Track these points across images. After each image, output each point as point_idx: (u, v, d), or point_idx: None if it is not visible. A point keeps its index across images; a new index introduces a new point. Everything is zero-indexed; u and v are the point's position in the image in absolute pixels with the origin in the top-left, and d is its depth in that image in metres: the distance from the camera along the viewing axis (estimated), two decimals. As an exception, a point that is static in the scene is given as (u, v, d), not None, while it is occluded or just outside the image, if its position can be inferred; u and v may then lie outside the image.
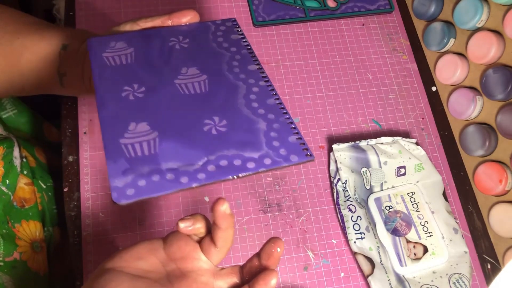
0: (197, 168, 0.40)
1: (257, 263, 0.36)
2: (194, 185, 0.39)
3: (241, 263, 0.37)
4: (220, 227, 0.35)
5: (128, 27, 0.47)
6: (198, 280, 0.35)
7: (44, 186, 0.55)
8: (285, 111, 0.45)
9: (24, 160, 0.53)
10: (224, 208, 0.36)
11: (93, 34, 0.50)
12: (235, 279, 0.36)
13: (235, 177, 0.40)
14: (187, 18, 0.48)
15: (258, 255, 0.36)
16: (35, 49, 0.47)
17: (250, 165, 0.41)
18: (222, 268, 0.37)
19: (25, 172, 0.52)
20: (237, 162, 0.41)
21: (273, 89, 0.47)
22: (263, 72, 0.48)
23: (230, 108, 0.45)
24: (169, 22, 0.48)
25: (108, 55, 0.47)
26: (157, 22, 0.47)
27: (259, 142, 0.43)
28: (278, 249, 0.36)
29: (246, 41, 0.51)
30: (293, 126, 0.44)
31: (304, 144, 0.43)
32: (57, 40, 0.48)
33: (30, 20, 0.50)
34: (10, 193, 0.49)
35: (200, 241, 0.37)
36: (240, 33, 0.51)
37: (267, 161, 0.42)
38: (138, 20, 0.47)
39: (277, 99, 0.46)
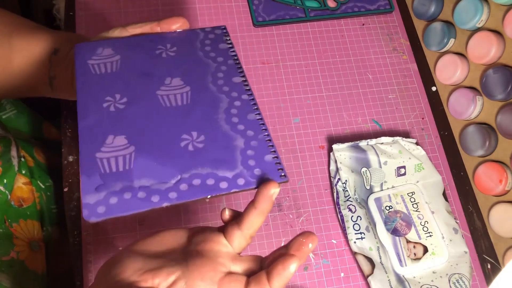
0: (169, 186, 0.40)
1: (282, 253, 0.35)
2: (164, 204, 0.39)
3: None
4: (256, 207, 0.35)
5: (117, 33, 0.47)
6: (215, 260, 0.34)
7: (43, 186, 0.55)
8: (264, 128, 0.45)
9: (22, 159, 0.53)
10: (273, 192, 0.36)
11: (85, 38, 0.50)
12: (253, 267, 0.36)
13: (207, 198, 0.40)
14: (176, 25, 0.48)
15: (285, 247, 0.35)
16: (26, 53, 0.48)
17: (223, 185, 0.41)
18: (240, 255, 0.37)
19: (23, 172, 0.52)
20: (210, 182, 0.41)
21: (255, 103, 0.47)
22: (247, 85, 0.48)
23: (209, 123, 0.45)
24: (158, 29, 0.48)
25: (94, 62, 0.47)
26: (146, 28, 0.47)
27: (235, 160, 0.42)
28: (310, 245, 0.35)
29: (233, 51, 0.50)
30: (270, 144, 0.44)
31: (279, 163, 0.42)
32: (48, 44, 0.48)
33: (22, 22, 0.50)
34: (7, 192, 0.49)
35: (224, 227, 0.37)
36: (229, 42, 0.51)
37: (241, 182, 0.41)
38: (127, 26, 0.47)
39: (258, 114, 0.46)
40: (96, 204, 0.38)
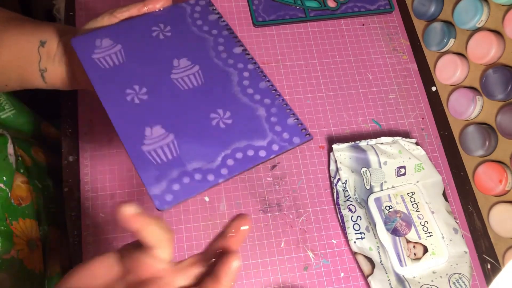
0: (218, 164, 0.44)
1: (220, 244, 0.35)
2: (220, 180, 0.43)
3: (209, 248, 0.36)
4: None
5: (106, 20, 0.47)
6: (160, 283, 0.34)
7: (40, 186, 0.55)
8: (278, 94, 0.48)
9: (20, 159, 0.53)
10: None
11: (73, 28, 0.50)
12: (195, 271, 0.35)
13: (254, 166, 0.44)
14: (160, 3, 0.49)
15: (221, 235, 0.35)
16: (14, 46, 0.48)
17: (262, 153, 0.45)
18: (180, 262, 0.36)
19: (21, 171, 0.52)
20: (250, 153, 0.44)
21: (262, 71, 0.49)
22: (248, 54, 0.50)
23: (230, 98, 0.47)
24: (145, 9, 0.48)
25: (99, 56, 0.47)
26: (133, 11, 0.48)
27: (264, 129, 0.46)
28: (244, 228, 0.36)
29: (223, 20, 0.52)
30: (288, 108, 0.47)
31: (302, 124, 0.46)
32: (35, 36, 0.48)
33: (9, 15, 0.50)
34: (7, 189, 0.49)
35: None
36: (216, 12, 0.52)
37: (275, 147, 0.45)
38: (114, 11, 0.48)
39: (268, 81, 0.48)
40: (163, 194, 0.41)
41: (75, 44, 0.48)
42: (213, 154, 0.44)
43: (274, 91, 0.48)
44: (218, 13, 0.52)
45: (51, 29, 0.49)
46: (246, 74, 0.49)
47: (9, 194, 0.49)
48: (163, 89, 0.47)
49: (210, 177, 0.43)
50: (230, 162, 0.44)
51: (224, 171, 0.44)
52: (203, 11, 0.52)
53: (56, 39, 0.48)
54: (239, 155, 0.45)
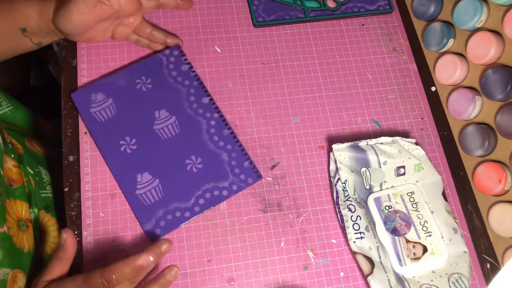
0: (192, 203, 0.54)
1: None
2: (194, 217, 0.53)
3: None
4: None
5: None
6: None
7: (32, 172, 0.57)
8: (237, 139, 0.57)
9: (10, 146, 0.54)
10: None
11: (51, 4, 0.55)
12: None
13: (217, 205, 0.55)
14: None
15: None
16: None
17: (225, 193, 0.55)
18: None
19: (12, 156, 0.53)
20: (216, 192, 0.54)
21: (224, 119, 0.58)
22: (214, 103, 0.59)
23: (200, 146, 0.56)
24: None
25: (95, 110, 0.57)
26: None
27: (226, 172, 0.55)
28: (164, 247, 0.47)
29: (193, 70, 0.60)
30: (245, 152, 0.57)
31: (254, 167, 0.56)
32: (14, 25, 0.55)
33: None
34: (0, 169, 0.50)
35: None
36: (187, 62, 0.61)
37: (234, 187, 0.55)
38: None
39: (229, 128, 0.58)
40: (154, 229, 0.52)
41: (74, 98, 0.57)
42: (188, 195, 0.54)
43: (234, 138, 0.57)
44: (189, 63, 0.60)
45: (26, 10, 0.54)
46: (212, 122, 0.58)
47: (1, 172, 0.50)
48: (148, 139, 0.56)
49: (187, 214, 0.53)
50: (201, 201, 0.54)
51: (197, 208, 0.53)
52: (176, 62, 0.60)
53: (34, 20, 0.54)
54: (208, 195, 0.54)
